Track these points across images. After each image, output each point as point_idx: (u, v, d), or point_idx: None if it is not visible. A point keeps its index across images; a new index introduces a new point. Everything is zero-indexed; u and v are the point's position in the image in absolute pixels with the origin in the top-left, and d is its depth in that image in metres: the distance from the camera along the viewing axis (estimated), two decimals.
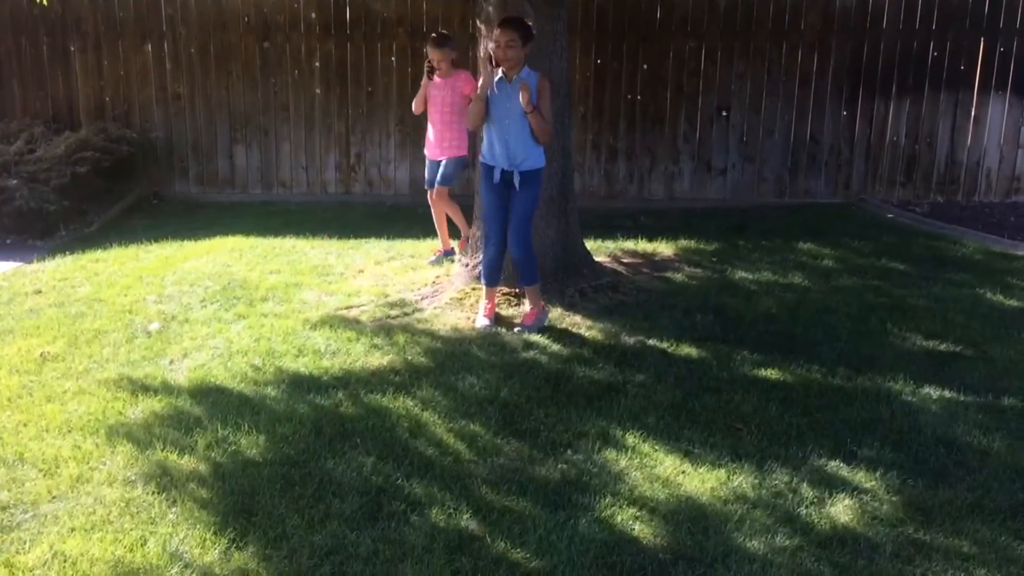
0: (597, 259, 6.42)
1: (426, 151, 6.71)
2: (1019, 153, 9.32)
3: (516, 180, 5.11)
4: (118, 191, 9.04)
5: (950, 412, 4.17)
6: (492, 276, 5.33)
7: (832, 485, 3.52)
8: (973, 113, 9.24)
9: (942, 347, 5.01)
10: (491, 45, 5.14)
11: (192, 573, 2.97)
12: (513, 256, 5.26)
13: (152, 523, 3.25)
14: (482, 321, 5.26)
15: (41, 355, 4.86)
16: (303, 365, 4.69)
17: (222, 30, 9.23)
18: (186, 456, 3.72)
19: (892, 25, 9.10)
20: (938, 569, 3.01)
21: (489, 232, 5.32)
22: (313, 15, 9.19)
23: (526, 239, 5.21)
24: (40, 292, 6.03)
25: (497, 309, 5.47)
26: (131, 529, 3.21)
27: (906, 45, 9.13)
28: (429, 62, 6.45)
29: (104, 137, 8.82)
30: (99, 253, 7.05)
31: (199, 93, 9.38)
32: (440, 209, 6.69)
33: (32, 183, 7.95)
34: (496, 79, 5.13)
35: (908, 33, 9.10)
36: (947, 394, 4.36)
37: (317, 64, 9.29)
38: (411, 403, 4.22)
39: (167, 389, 4.40)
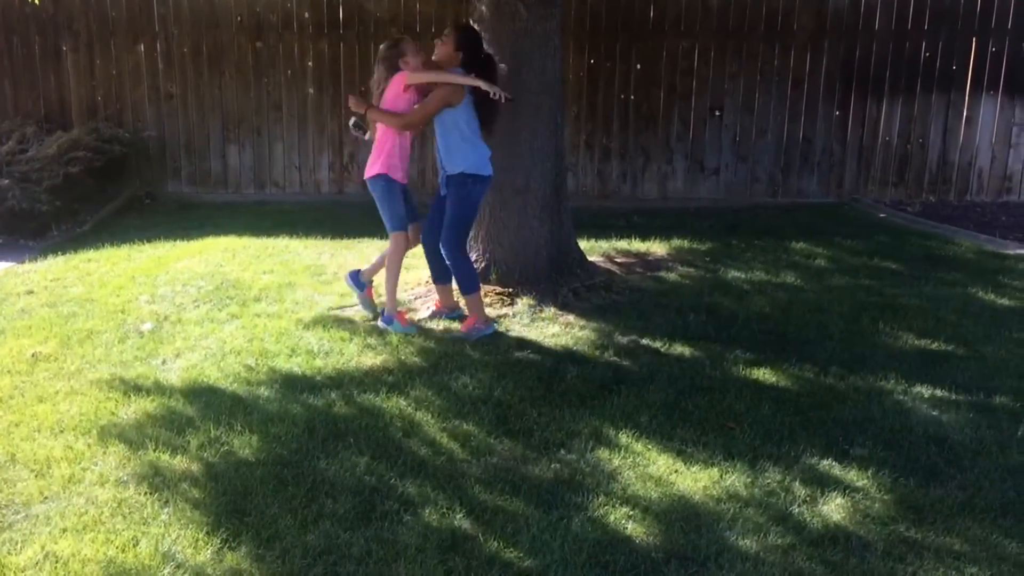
0: (590, 259, 6.42)
1: (400, 175, 5.18)
2: (1010, 153, 9.36)
3: (441, 184, 5.18)
4: (110, 191, 9.03)
5: (942, 411, 4.18)
6: (432, 273, 5.44)
7: (824, 484, 3.53)
8: (965, 113, 9.28)
9: (934, 346, 5.03)
10: None
11: (185, 573, 2.96)
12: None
13: (144, 523, 3.24)
14: (421, 314, 5.47)
15: (33, 355, 4.84)
16: (296, 365, 4.68)
17: (215, 29, 9.21)
18: (178, 456, 3.71)
19: (884, 26, 9.13)
20: (929, 567, 3.02)
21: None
22: (306, 15, 9.18)
23: (450, 245, 5.07)
24: (32, 292, 6.01)
25: (490, 307, 5.47)
26: (123, 529, 3.20)
27: (898, 46, 9.17)
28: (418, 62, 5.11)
29: (96, 137, 8.80)
30: (91, 253, 7.03)
31: (192, 93, 9.36)
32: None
33: (24, 183, 7.93)
34: None
35: (900, 34, 9.13)
36: (939, 393, 4.37)
37: (310, 63, 9.28)
38: (404, 403, 4.22)
39: (160, 389, 4.39)
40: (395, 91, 5.04)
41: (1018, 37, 9.11)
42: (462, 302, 5.35)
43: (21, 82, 9.33)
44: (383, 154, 5.13)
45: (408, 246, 5.29)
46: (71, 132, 8.82)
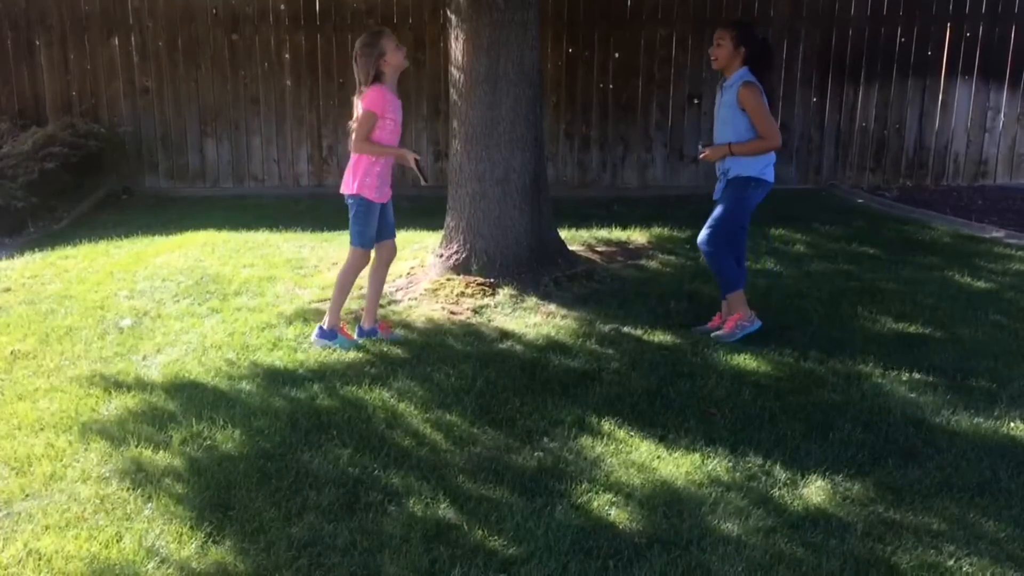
0: (571, 248, 6.44)
1: (379, 196, 4.81)
2: (986, 137, 9.45)
3: (719, 186, 5.03)
4: (87, 187, 8.94)
5: (920, 393, 4.23)
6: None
7: (804, 467, 3.57)
8: (940, 98, 9.36)
9: (911, 329, 5.09)
10: None
11: (169, 568, 2.96)
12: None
13: (127, 519, 3.23)
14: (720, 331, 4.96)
15: (12, 353, 4.80)
16: (278, 358, 4.67)
17: (190, 22, 9.14)
18: (161, 452, 3.70)
19: (860, 12, 9.19)
20: (908, 546, 3.06)
21: None
22: (282, 7, 9.12)
23: (713, 243, 4.88)
24: (9, 290, 5.96)
25: (471, 298, 5.47)
26: (106, 526, 3.19)
27: (874, 32, 9.23)
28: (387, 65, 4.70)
29: (72, 132, 8.71)
30: (69, 249, 6.97)
31: (167, 86, 9.28)
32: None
33: None
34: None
35: (876, 20, 9.19)
36: (916, 375, 4.42)
37: (287, 56, 9.22)
38: (387, 394, 4.22)
39: (140, 385, 4.37)
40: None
41: (992, 22, 9.19)
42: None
43: None
44: (360, 173, 4.75)
45: (366, 264, 4.96)
46: (46, 128, 8.73)
